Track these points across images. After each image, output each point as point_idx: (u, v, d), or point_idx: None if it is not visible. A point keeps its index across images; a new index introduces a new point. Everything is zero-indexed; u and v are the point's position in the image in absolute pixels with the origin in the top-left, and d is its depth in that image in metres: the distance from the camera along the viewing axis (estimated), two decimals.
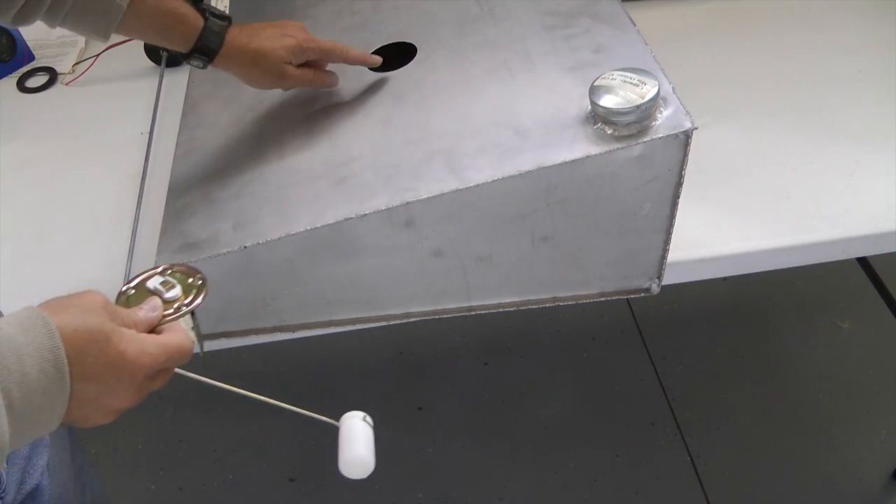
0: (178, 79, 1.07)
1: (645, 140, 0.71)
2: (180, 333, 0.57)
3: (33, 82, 1.19)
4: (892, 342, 1.68)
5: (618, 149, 0.71)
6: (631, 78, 0.72)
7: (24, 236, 0.95)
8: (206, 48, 0.79)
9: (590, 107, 0.73)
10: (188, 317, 0.61)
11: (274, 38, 0.81)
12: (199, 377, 0.63)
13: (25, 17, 0.73)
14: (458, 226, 0.75)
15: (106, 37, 0.76)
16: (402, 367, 1.71)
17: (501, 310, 0.85)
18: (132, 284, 0.62)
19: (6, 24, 0.74)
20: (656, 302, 0.95)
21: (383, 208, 0.72)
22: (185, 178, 0.83)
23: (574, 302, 0.84)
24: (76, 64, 1.21)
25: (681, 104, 0.73)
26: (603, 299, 0.84)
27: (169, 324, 0.58)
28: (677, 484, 1.49)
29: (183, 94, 0.96)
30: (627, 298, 0.84)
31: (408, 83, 0.86)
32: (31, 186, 1.02)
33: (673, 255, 0.81)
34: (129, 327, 0.55)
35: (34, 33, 1.23)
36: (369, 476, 0.63)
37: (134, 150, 1.04)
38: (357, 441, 0.66)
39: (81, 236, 0.94)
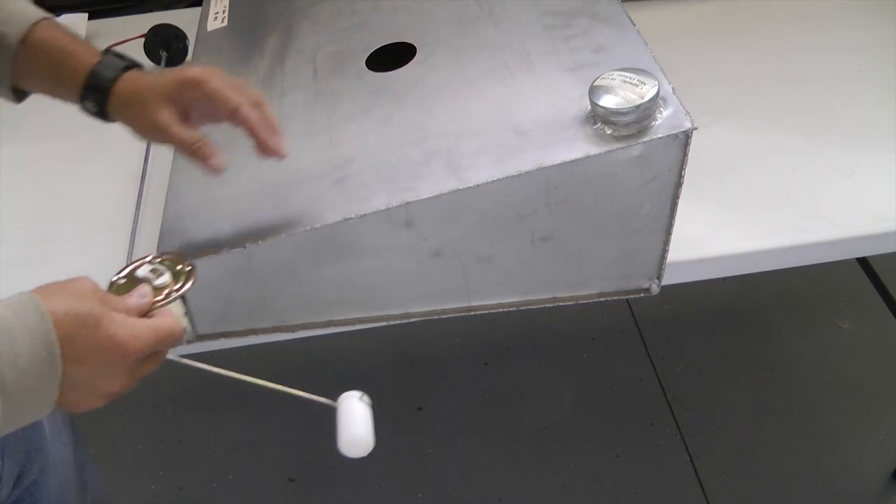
0: None
1: (645, 140, 0.71)
2: (171, 317, 0.58)
3: None
4: (892, 342, 1.68)
5: (618, 149, 0.71)
6: (631, 78, 0.72)
7: (24, 236, 0.94)
8: (96, 84, 0.68)
9: (589, 107, 0.73)
10: (179, 302, 0.62)
11: (163, 74, 0.69)
12: (191, 363, 0.64)
13: None
14: (457, 226, 0.75)
15: (6, 85, 0.70)
16: (402, 367, 1.71)
17: (501, 310, 0.85)
18: (122, 274, 0.64)
19: None
20: (656, 302, 0.95)
21: (383, 208, 0.72)
22: (185, 178, 0.83)
23: (574, 302, 0.84)
24: None
25: (681, 104, 0.73)
26: (603, 299, 0.84)
27: (160, 309, 0.59)
28: (677, 484, 1.49)
29: None
30: (627, 298, 0.84)
31: (407, 83, 0.86)
32: (31, 186, 1.02)
33: (673, 255, 0.81)
34: (120, 313, 0.55)
35: None
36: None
37: (134, 150, 1.03)
38: (355, 421, 0.68)
39: (81, 236, 0.94)
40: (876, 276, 1.55)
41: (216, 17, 1.05)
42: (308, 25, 0.97)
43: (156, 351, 0.57)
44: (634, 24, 0.84)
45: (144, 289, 0.60)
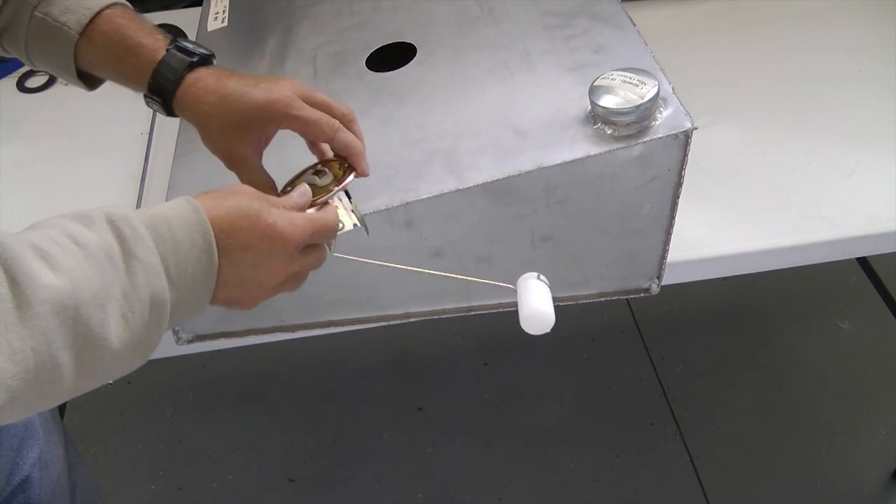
0: None
1: (645, 140, 0.71)
2: (329, 211, 0.60)
3: (33, 82, 1.19)
4: (892, 342, 1.68)
5: (618, 149, 0.71)
6: (631, 78, 0.72)
7: None
8: (158, 87, 0.64)
9: (590, 107, 0.73)
10: (345, 198, 0.65)
11: (246, 85, 0.63)
12: (357, 258, 0.67)
13: None
14: (457, 226, 0.75)
15: (72, 74, 0.67)
16: (402, 367, 1.71)
17: (501, 310, 0.85)
18: (288, 182, 0.66)
19: None
20: (656, 302, 0.95)
21: (383, 208, 0.72)
22: (185, 178, 0.83)
23: (574, 302, 0.84)
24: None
25: (680, 104, 0.73)
26: (603, 299, 0.84)
27: (321, 204, 0.61)
28: (677, 484, 1.49)
29: None
30: (627, 298, 0.84)
31: (407, 83, 0.86)
32: (31, 186, 1.02)
33: (673, 255, 0.81)
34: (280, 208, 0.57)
35: None
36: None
37: (134, 150, 1.04)
38: (535, 297, 0.68)
39: None
40: (876, 276, 1.56)
41: (216, 17, 1.05)
42: (308, 25, 0.97)
43: (315, 244, 0.59)
44: (634, 24, 0.84)
45: (304, 188, 0.61)
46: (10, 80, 1.19)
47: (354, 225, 0.64)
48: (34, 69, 0.70)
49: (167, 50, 0.64)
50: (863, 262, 1.59)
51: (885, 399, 1.59)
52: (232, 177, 0.80)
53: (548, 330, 0.66)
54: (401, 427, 1.58)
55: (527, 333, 0.65)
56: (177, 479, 1.54)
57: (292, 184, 0.66)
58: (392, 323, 0.84)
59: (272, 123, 0.63)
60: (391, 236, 0.75)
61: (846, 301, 1.78)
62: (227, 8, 1.06)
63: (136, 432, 1.61)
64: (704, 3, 1.23)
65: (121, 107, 1.12)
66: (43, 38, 0.66)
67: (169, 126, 0.97)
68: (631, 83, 0.72)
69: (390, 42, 0.91)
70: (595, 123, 0.73)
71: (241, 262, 0.54)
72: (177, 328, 0.79)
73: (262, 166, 0.65)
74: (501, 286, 0.70)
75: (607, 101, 0.71)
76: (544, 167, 0.71)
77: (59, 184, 1.02)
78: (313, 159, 0.68)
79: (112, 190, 0.99)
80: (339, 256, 0.64)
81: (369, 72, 0.88)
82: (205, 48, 0.66)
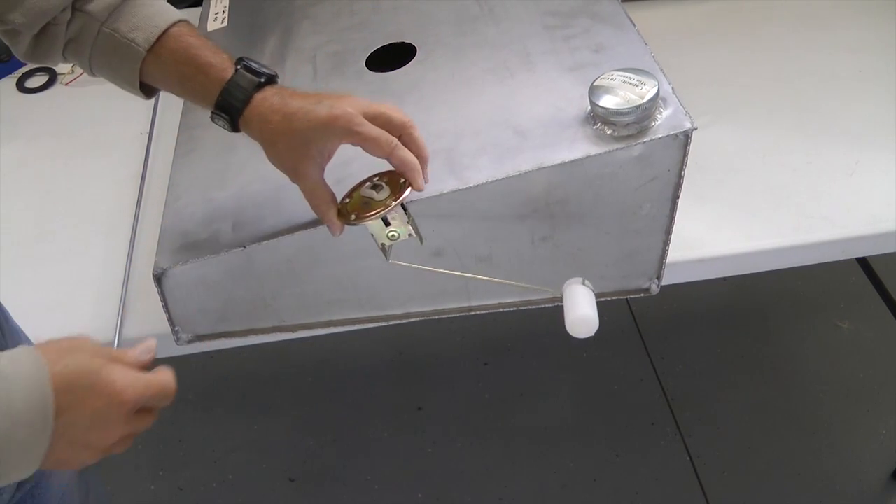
0: None
1: (645, 140, 0.71)
2: (167, 375, 0.58)
3: (33, 82, 1.19)
4: (892, 342, 1.68)
5: (617, 149, 0.71)
6: (630, 78, 0.72)
7: (24, 236, 0.95)
8: (227, 105, 0.66)
9: (589, 107, 0.73)
10: (402, 211, 0.69)
11: (309, 104, 0.65)
12: (414, 265, 0.73)
13: (42, 55, 0.69)
14: (457, 226, 0.75)
15: (135, 86, 0.69)
16: (402, 367, 1.71)
17: (501, 310, 0.85)
18: (346, 194, 0.70)
19: (26, 61, 0.70)
20: (656, 302, 0.95)
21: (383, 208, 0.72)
22: (185, 178, 0.83)
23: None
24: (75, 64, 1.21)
25: (680, 104, 0.73)
26: (603, 299, 0.84)
27: (161, 367, 0.59)
28: (677, 484, 1.49)
29: None
30: (627, 298, 0.84)
31: (407, 83, 0.86)
32: (31, 186, 1.02)
33: (673, 255, 0.81)
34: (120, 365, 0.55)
35: None
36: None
37: (134, 149, 1.04)
38: (581, 302, 0.72)
39: (81, 236, 0.94)
40: (876, 276, 1.55)
41: (216, 17, 1.05)
42: (308, 25, 0.97)
43: (149, 407, 0.57)
44: (634, 24, 0.84)
45: (149, 344, 0.60)
46: (10, 80, 1.19)
47: (409, 235, 0.71)
48: (92, 77, 0.72)
49: (236, 70, 0.67)
50: (863, 262, 1.59)
51: (885, 399, 1.59)
52: (234, 175, 0.80)
53: (592, 334, 0.71)
54: (401, 427, 1.58)
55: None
56: (177, 479, 1.54)
57: (350, 195, 0.70)
58: (392, 323, 0.84)
59: (335, 139, 0.66)
60: None
61: (846, 301, 1.78)
62: (227, 8, 1.06)
63: None
64: (704, 3, 1.23)
65: (121, 107, 1.13)
66: (109, 53, 0.68)
67: (169, 126, 0.98)
68: (631, 83, 0.72)
69: (390, 42, 0.91)
70: (595, 123, 0.73)
71: (75, 423, 0.51)
72: (176, 328, 0.79)
73: (323, 180, 0.68)
74: (546, 291, 0.75)
75: (607, 101, 0.71)
76: (544, 167, 0.71)
77: (59, 184, 1.02)
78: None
79: (112, 190, 0.99)
80: (395, 264, 0.69)
81: (369, 72, 0.88)
82: (268, 68, 0.68)
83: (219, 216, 0.77)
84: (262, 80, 0.67)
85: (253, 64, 0.68)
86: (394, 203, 0.67)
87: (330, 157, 0.68)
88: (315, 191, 0.68)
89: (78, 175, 1.03)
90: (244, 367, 1.69)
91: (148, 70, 0.68)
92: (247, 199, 0.78)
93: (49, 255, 0.92)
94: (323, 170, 0.68)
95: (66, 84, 1.19)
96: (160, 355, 0.84)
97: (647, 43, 0.81)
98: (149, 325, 0.82)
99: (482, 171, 0.72)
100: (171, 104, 1.06)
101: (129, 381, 0.54)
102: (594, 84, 0.73)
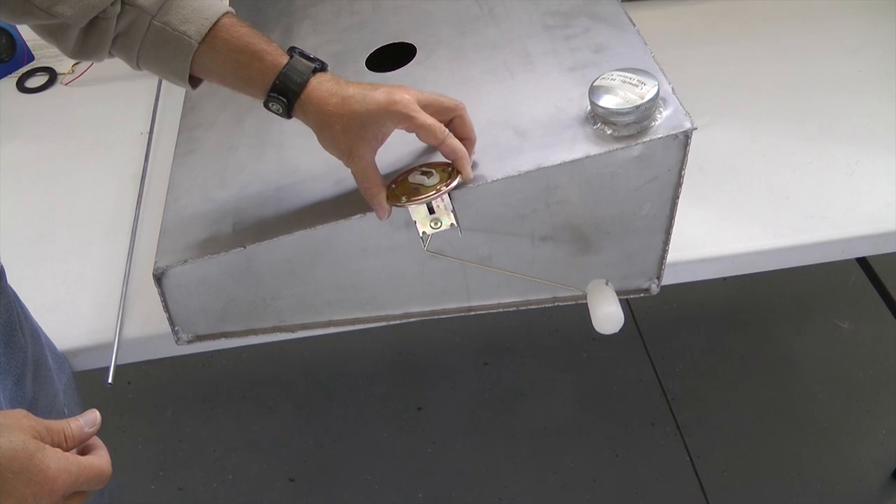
0: None
1: (644, 140, 0.71)
2: (103, 458, 0.58)
3: (33, 82, 1.19)
4: (892, 342, 1.68)
5: (617, 149, 0.71)
6: (630, 78, 0.72)
7: (24, 236, 0.95)
8: (285, 88, 0.68)
9: (589, 107, 0.73)
10: (447, 200, 0.71)
11: (366, 89, 0.68)
12: (450, 256, 0.75)
13: (90, 50, 0.69)
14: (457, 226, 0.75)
15: (184, 78, 0.70)
16: (402, 367, 1.71)
17: (501, 310, 0.85)
18: (394, 180, 0.72)
19: (72, 58, 0.71)
20: (656, 302, 0.95)
21: None
22: (185, 179, 0.83)
23: (574, 302, 0.84)
24: (76, 64, 1.21)
25: (680, 104, 0.73)
26: None
27: (95, 446, 0.59)
28: (677, 484, 1.49)
29: (183, 94, 0.96)
30: (627, 298, 0.84)
31: (407, 83, 0.85)
32: (31, 186, 1.02)
33: (673, 256, 0.81)
34: (59, 442, 0.55)
35: (34, 33, 1.23)
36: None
37: (134, 150, 1.04)
38: (606, 300, 0.75)
39: (81, 236, 0.94)
40: (876, 276, 1.55)
41: None
42: (308, 25, 0.97)
43: (81, 490, 0.56)
44: (634, 24, 0.84)
45: (93, 416, 0.60)
46: (10, 80, 1.19)
47: (451, 225, 0.72)
48: (137, 71, 0.73)
49: (291, 56, 0.69)
50: (863, 262, 1.59)
51: (884, 399, 1.59)
52: (234, 175, 0.80)
53: (617, 330, 0.75)
54: (401, 427, 1.58)
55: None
56: (177, 479, 1.54)
57: (400, 180, 0.71)
58: (392, 323, 0.84)
59: (391, 123, 0.68)
60: (391, 236, 0.75)
61: (846, 301, 1.78)
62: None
63: (136, 432, 1.61)
64: (704, 3, 1.23)
65: (121, 107, 1.13)
66: (160, 46, 0.69)
67: (169, 126, 0.98)
68: (631, 83, 0.72)
69: (390, 42, 0.91)
70: (595, 123, 0.73)
71: None
72: (176, 328, 0.79)
73: (375, 163, 0.69)
74: (575, 289, 0.77)
75: (607, 102, 0.71)
76: (544, 167, 0.71)
77: (59, 184, 1.02)
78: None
79: (112, 190, 0.99)
80: (432, 254, 0.71)
81: (369, 72, 0.88)
82: (319, 59, 0.71)
83: (219, 216, 0.77)
84: (317, 65, 0.69)
85: (306, 51, 0.70)
86: (444, 189, 0.69)
87: (383, 141, 0.69)
88: (367, 172, 0.69)
89: (78, 175, 1.03)
90: (244, 367, 1.69)
91: (200, 61, 0.69)
92: (247, 199, 0.78)
93: (49, 255, 0.92)
94: (375, 152, 0.69)
95: (66, 84, 1.19)
96: (161, 355, 0.85)
97: (647, 43, 0.81)
98: (149, 325, 0.82)
99: (482, 171, 0.72)
100: (171, 104, 1.06)
101: (62, 467, 0.53)
102: (594, 84, 0.73)
